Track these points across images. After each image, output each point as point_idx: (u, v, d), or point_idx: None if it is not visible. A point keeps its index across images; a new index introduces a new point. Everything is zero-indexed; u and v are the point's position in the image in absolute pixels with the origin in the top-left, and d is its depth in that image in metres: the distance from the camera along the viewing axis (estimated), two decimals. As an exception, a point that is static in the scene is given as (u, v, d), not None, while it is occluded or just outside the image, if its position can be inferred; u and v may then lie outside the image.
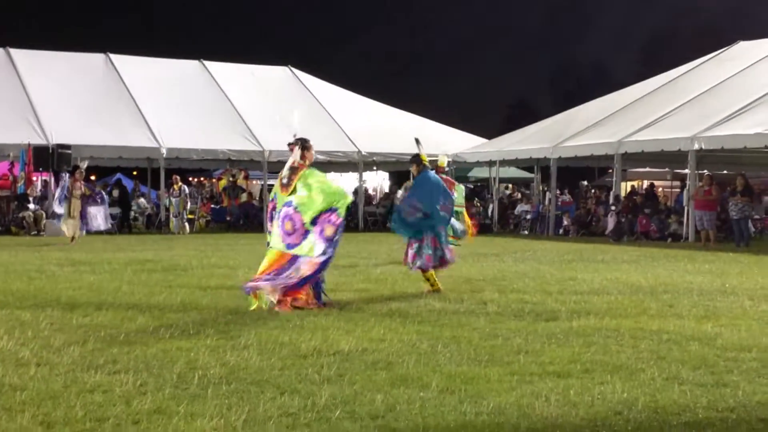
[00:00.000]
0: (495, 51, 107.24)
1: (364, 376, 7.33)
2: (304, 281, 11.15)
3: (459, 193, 18.59)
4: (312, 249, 11.12)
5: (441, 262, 13.34)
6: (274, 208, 11.61)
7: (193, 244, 24.98)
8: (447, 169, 19.69)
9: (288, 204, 11.30)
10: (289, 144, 11.80)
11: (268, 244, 11.59)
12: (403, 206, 13.64)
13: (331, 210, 11.19)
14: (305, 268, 11.14)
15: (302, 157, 11.65)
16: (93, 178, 31.60)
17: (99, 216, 25.68)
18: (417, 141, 14.36)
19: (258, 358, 7.97)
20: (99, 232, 26.85)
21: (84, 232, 25.13)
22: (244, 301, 11.65)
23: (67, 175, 25.67)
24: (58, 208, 24.80)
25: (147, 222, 35.49)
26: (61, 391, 6.78)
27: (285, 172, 11.55)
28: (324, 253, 11.11)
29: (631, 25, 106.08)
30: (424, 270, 13.23)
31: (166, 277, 15.27)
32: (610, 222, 31.28)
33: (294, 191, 11.36)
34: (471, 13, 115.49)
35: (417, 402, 6.49)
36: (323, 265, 11.26)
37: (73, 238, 24.37)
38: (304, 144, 11.78)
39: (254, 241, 26.74)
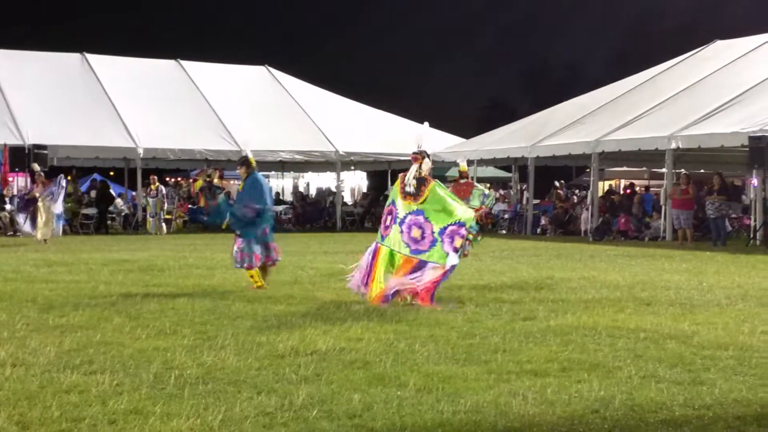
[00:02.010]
0: (470, 50, 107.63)
1: (342, 375, 7.32)
2: (431, 284, 11.73)
3: (475, 196, 18.86)
4: (443, 257, 11.76)
5: (266, 260, 13.98)
6: (390, 213, 12.17)
7: (171, 245, 24.90)
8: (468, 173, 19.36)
9: (417, 213, 11.90)
10: (415, 154, 12.17)
11: (382, 239, 12.15)
12: (237, 208, 14.32)
13: (459, 224, 11.83)
14: (433, 273, 11.76)
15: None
16: (69, 178, 31.31)
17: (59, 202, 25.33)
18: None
19: (235, 358, 7.95)
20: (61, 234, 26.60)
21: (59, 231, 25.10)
22: (220, 301, 11.67)
23: (62, 177, 25.67)
24: (57, 209, 24.78)
25: (124, 222, 35.31)
26: (37, 391, 6.74)
27: (411, 181, 11.99)
28: (452, 262, 11.81)
29: (607, 24, 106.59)
30: (248, 268, 13.78)
31: (143, 278, 15.22)
32: (583, 219, 31.44)
33: (424, 201, 11.89)
34: (446, 12, 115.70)
35: (394, 401, 6.48)
36: (450, 273, 12.00)
37: (45, 240, 24.23)
38: (428, 155, 12.28)
39: (231, 241, 26.66)
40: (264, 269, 13.94)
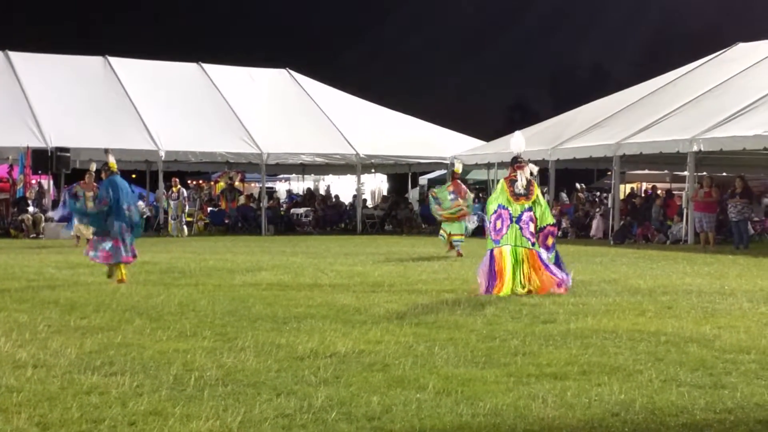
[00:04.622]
0: (494, 52, 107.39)
1: (361, 377, 7.32)
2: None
3: (468, 200, 21.78)
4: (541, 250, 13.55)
5: (126, 259, 14.91)
6: (500, 217, 13.61)
7: (191, 247, 24.98)
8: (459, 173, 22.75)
9: (529, 209, 13.57)
10: (519, 162, 13.88)
11: (496, 243, 13.48)
12: (94, 204, 15.67)
13: (553, 224, 13.93)
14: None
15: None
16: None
17: None
18: (106, 151, 16.23)
19: (254, 360, 7.96)
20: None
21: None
22: (240, 304, 11.72)
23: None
24: (56, 214, 24.97)
25: (145, 225, 35.38)
26: (57, 392, 6.77)
27: (522, 182, 13.63)
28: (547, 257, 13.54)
29: (630, 26, 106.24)
30: (102, 262, 14.85)
31: (163, 279, 15.28)
32: (595, 224, 31.41)
33: (534, 200, 13.64)
34: (469, 14, 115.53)
35: (413, 404, 6.48)
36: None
37: (78, 238, 24.41)
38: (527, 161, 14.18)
39: (252, 244, 26.79)
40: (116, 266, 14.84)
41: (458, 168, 22.70)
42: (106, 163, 15.70)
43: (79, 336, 9.23)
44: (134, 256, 15.14)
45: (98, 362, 7.86)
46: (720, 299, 12.64)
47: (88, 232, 24.81)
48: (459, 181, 22.01)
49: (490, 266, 13.35)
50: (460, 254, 21.04)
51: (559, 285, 13.26)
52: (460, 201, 21.26)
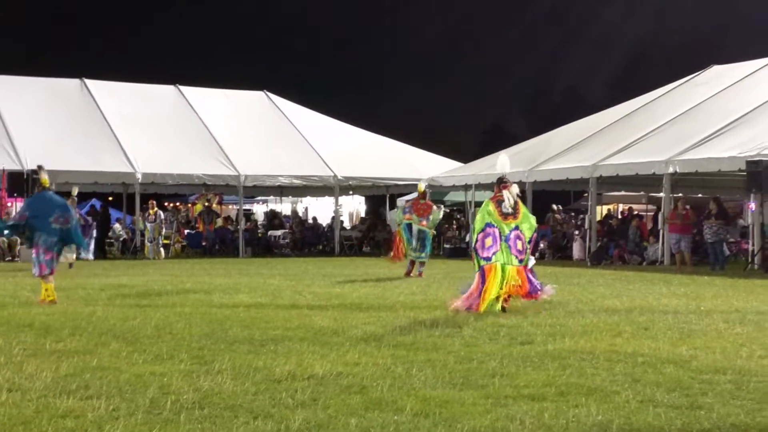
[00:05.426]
0: (468, 76, 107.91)
1: (338, 400, 7.30)
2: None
3: (434, 217, 22.19)
4: (528, 261, 14.26)
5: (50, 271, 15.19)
6: (488, 235, 14.00)
7: (168, 270, 24.88)
8: (426, 191, 23.20)
9: (516, 228, 14.06)
10: (504, 183, 14.35)
11: (487, 260, 13.89)
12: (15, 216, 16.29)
13: (537, 231, 14.78)
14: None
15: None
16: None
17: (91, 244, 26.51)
18: (39, 168, 16.03)
19: (231, 383, 7.93)
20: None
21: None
22: (217, 326, 11.68)
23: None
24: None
25: (122, 247, 35.33)
26: (32, 416, 6.72)
27: (509, 202, 14.08)
28: (532, 263, 14.52)
29: (605, 49, 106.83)
30: (40, 277, 15.10)
31: (140, 302, 15.20)
32: (576, 246, 31.51)
33: (521, 218, 14.14)
34: (445, 37, 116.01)
35: (391, 426, 6.46)
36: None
37: (71, 264, 24.45)
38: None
39: (229, 266, 26.70)
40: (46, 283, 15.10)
41: (420, 187, 23.04)
42: (37, 179, 16.16)
43: (54, 359, 9.17)
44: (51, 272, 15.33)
45: (74, 386, 7.81)
46: (696, 320, 12.69)
47: (71, 256, 24.94)
48: (421, 202, 22.17)
49: (481, 284, 13.76)
50: (420, 275, 21.28)
51: (536, 293, 14.15)
52: (425, 222, 21.63)
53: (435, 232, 22.16)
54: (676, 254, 26.48)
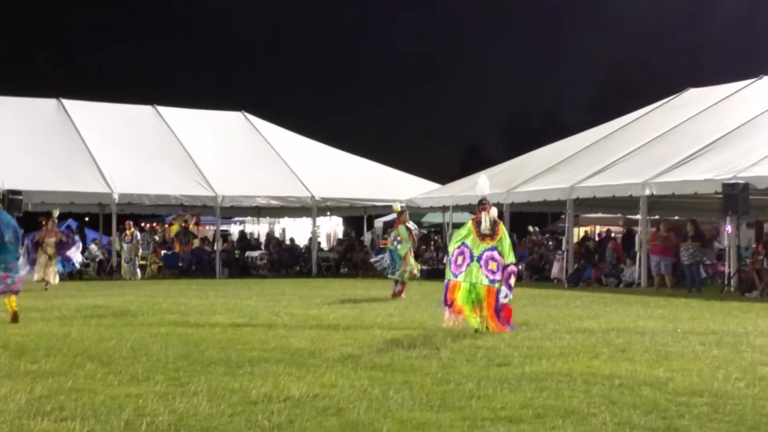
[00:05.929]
0: (445, 99, 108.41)
1: (315, 422, 7.27)
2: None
3: (395, 234, 22.43)
4: (501, 287, 14.24)
5: (10, 290, 15.29)
6: (462, 253, 14.39)
7: (145, 290, 24.77)
8: (403, 211, 23.07)
9: (492, 249, 14.28)
10: (483, 204, 14.55)
11: (454, 276, 14.36)
12: None
13: (515, 264, 14.56)
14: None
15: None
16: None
17: (77, 254, 27.17)
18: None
19: (207, 405, 7.89)
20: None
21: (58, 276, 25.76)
22: (194, 347, 11.61)
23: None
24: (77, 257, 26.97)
25: (98, 268, 35.14)
26: (5, 439, 6.66)
27: (487, 224, 14.34)
28: (506, 296, 14.23)
29: (582, 72, 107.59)
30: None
31: (115, 323, 15.11)
32: (556, 267, 31.58)
33: (499, 240, 14.30)
34: (423, 60, 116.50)
35: (368, 448, 6.44)
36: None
37: (47, 283, 24.56)
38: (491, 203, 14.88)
39: (206, 287, 26.60)
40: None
41: (396, 207, 23.37)
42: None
43: (29, 381, 9.10)
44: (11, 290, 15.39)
45: (48, 407, 7.75)
46: (673, 342, 12.72)
47: (54, 278, 25.03)
48: (402, 222, 22.25)
49: (444, 294, 14.42)
50: (400, 293, 21.37)
51: (503, 325, 14.18)
52: (387, 240, 21.98)
53: (410, 247, 21.96)
54: (655, 276, 26.55)
